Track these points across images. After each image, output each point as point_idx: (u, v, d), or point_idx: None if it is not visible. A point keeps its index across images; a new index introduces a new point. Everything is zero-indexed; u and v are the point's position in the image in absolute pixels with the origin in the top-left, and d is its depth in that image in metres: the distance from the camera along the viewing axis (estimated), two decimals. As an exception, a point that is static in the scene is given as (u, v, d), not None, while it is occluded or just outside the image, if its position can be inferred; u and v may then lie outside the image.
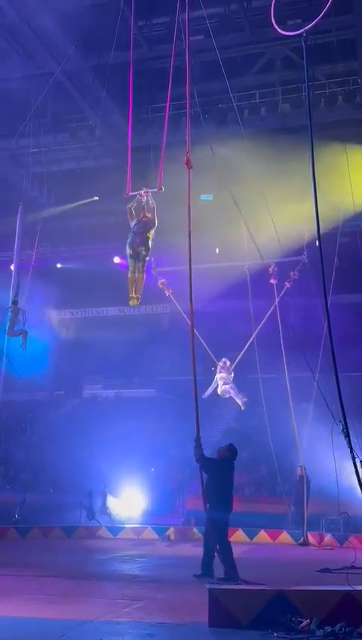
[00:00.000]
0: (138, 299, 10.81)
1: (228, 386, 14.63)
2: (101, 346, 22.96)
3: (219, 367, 14.81)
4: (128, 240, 10.73)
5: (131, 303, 10.89)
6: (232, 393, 14.69)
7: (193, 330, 9.57)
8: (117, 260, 22.83)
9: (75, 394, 25.23)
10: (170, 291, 14.51)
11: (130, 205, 10.87)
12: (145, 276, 10.88)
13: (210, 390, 14.58)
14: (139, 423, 20.02)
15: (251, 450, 18.62)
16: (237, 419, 20.63)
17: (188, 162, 9.53)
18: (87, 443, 18.16)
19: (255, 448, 18.47)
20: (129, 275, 10.73)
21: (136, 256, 10.68)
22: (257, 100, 18.35)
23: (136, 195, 10.72)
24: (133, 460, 17.75)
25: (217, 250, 21.06)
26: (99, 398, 24.67)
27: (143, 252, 10.65)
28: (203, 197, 17.98)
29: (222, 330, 18.93)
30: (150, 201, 10.71)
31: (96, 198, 20.83)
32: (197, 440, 8.94)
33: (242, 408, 15.01)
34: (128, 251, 10.75)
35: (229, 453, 9.40)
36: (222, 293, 20.63)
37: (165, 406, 21.38)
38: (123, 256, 21.50)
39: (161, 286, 14.49)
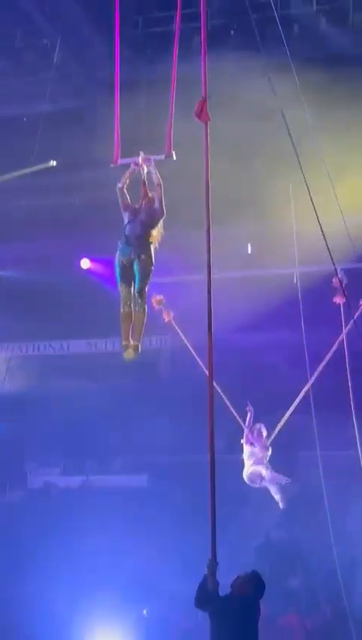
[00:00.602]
0: (137, 348, 10.61)
1: (260, 468, 14.21)
2: (59, 405, 22.87)
3: (249, 436, 14.50)
4: (118, 251, 10.57)
5: (126, 354, 10.68)
6: (267, 478, 14.18)
7: (211, 377, 9.52)
8: (86, 263, 23.21)
9: (15, 483, 24.84)
10: (172, 315, 14.37)
11: (121, 184, 10.62)
12: (147, 308, 10.75)
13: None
14: (120, 532, 19.80)
15: (304, 576, 18.50)
16: (281, 524, 20.19)
17: (202, 112, 9.23)
18: (35, 565, 17.97)
19: (311, 574, 18.38)
20: (121, 309, 10.56)
21: (129, 277, 10.50)
22: (314, 7, 18.65)
23: (129, 165, 10.49)
24: (111, 595, 17.55)
25: (249, 248, 21.44)
26: (55, 489, 24.39)
27: (141, 267, 10.43)
28: None
29: (255, 378, 19.04)
30: (153, 174, 10.44)
31: (54, 163, 21.14)
32: (212, 566, 8.92)
33: (281, 506, 14.69)
34: (118, 270, 10.57)
35: (252, 588, 9.25)
36: (257, 319, 20.66)
37: (163, 504, 21.03)
38: (94, 258, 22.00)
39: (156, 305, 13.81)
